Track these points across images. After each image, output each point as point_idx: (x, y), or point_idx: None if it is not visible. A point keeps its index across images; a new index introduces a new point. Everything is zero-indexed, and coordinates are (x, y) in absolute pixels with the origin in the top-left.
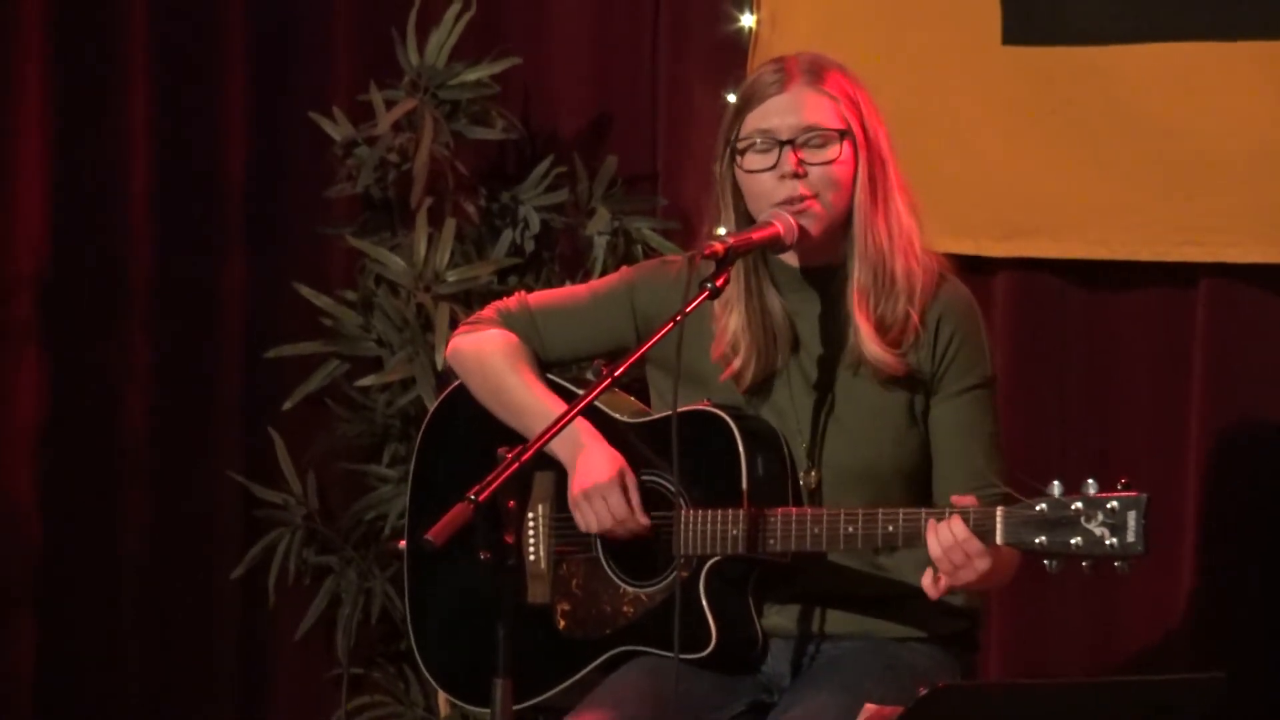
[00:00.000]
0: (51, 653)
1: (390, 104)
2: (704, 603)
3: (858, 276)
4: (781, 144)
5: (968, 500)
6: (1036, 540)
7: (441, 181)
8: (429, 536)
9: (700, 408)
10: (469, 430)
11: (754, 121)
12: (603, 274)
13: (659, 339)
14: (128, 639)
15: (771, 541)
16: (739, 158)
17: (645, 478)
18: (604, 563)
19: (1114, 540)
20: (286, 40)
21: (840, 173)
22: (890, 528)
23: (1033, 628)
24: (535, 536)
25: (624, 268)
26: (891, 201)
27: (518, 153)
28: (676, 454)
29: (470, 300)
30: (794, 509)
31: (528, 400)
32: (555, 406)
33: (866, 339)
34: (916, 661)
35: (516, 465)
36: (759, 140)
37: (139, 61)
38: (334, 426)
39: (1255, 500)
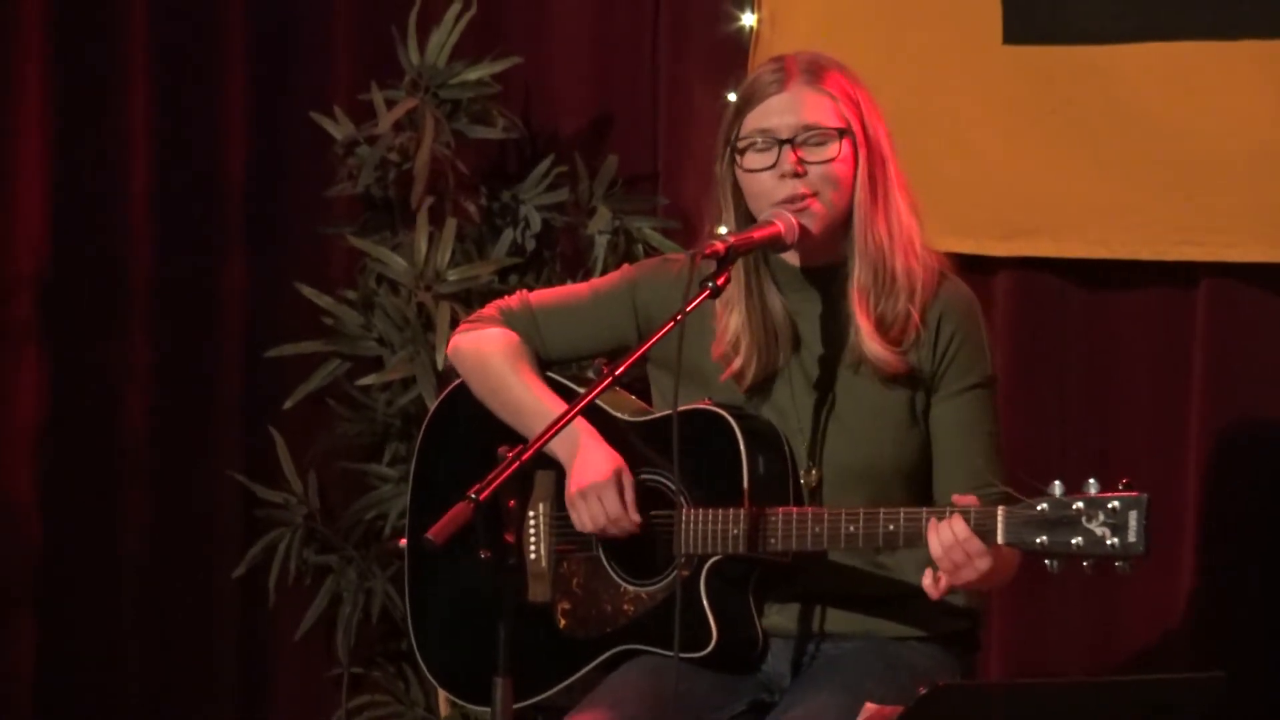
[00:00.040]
0: (51, 653)
1: (391, 103)
2: (704, 602)
3: (858, 275)
4: (781, 143)
5: (969, 500)
6: (1037, 540)
7: (442, 181)
8: (430, 536)
9: (701, 406)
10: (470, 429)
11: (753, 121)
12: (603, 273)
13: (659, 338)
14: (128, 639)
15: (772, 541)
16: (739, 157)
17: (646, 477)
18: (604, 562)
19: (1115, 540)
20: (286, 40)
21: (840, 171)
22: (891, 527)
23: (1033, 628)
24: (536, 535)
25: (625, 266)
26: (892, 200)
27: (518, 152)
28: (677, 453)
29: (471, 299)
30: (795, 508)
31: (528, 399)
32: (555, 406)
33: (867, 337)
34: (917, 661)
35: (517, 465)
36: (759, 140)
37: (139, 61)
38: (334, 426)
39: (1255, 500)
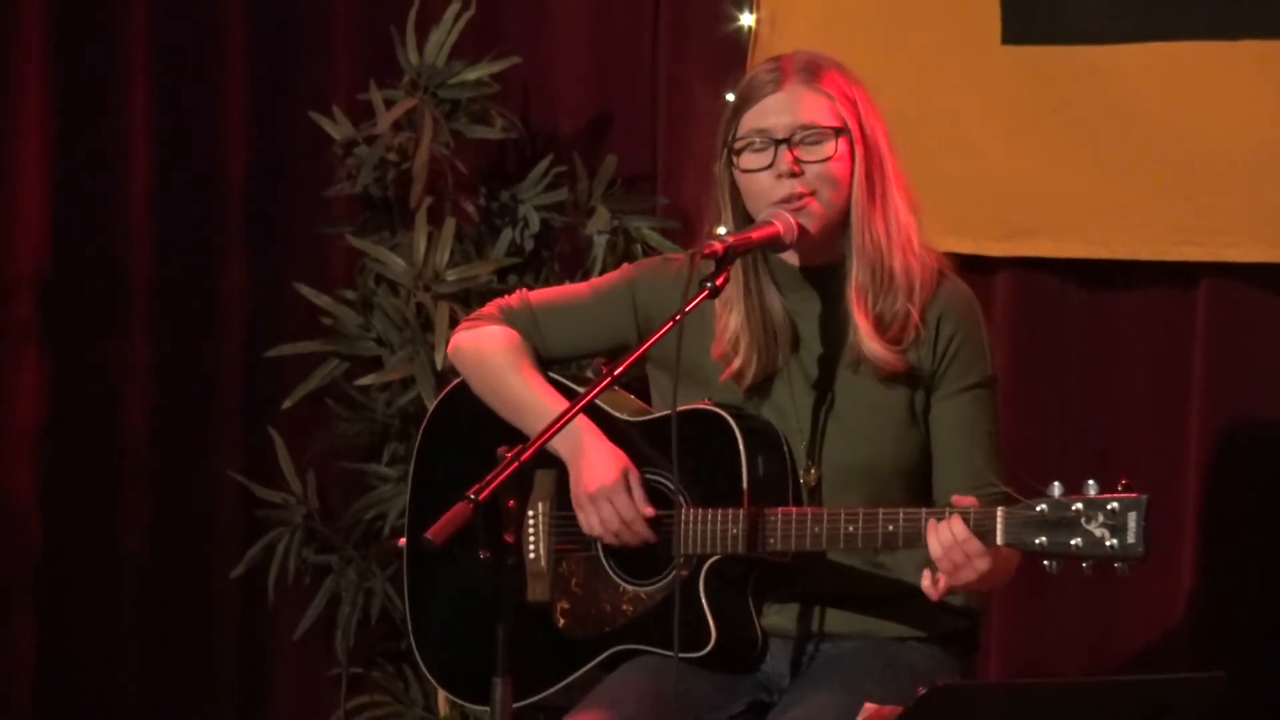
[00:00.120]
0: (51, 653)
1: (390, 103)
2: (704, 602)
3: (856, 274)
4: (777, 143)
5: (968, 500)
6: (1037, 541)
7: (441, 181)
8: (429, 536)
9: (701, 406)
10: (469, 429)
11: (750, 121)
12: (602, 273)
13: (659, 338)
14: (128, 639)
15: (771, 541)
16: (736, 158)
17: (646, 476)
18: (604, 561)
19: (1114, 541)
20: (286, 40)
21: (837, 170)
22: (890, 527)
23: (1033, 628)
24: (535, 535)
25: (625, 265)
26: (889, 199)
27: (517, 152)
28: (677, 453)
29: (470, 299)
30: (794, 509)
31: (528, 398)
32: (556, 404)
33: (865, 336)
34: (916, 661)
35: (516, 465)
36: (756, 140)
37: (139, 61)
38: (334, 426)
39: (1255, 500)
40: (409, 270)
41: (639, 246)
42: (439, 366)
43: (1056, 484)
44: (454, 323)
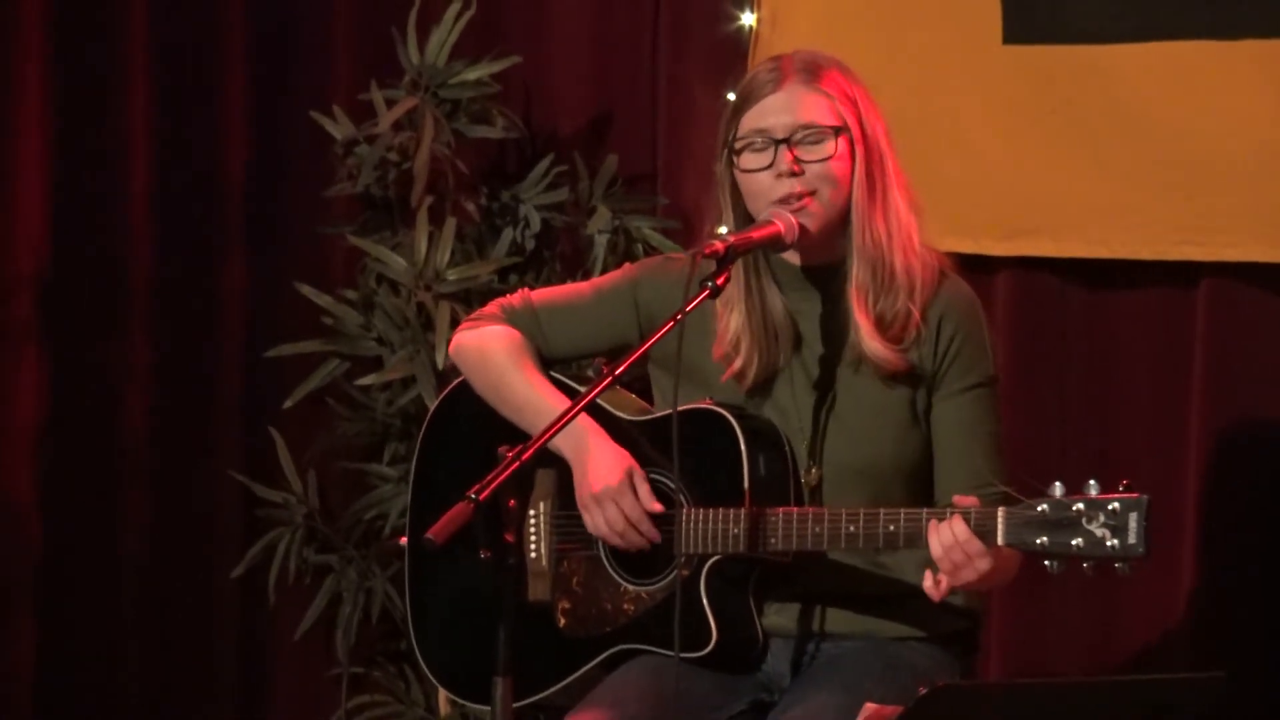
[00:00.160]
0: (51, 653)
1: (391, 103)
2: (704, 602)
3: (856, 273)
4: (777, 143)
5: (969, 500)
6: (1037, 541)
7: (442, 180)
8: (430, 536)
9: (702, 406)
10: (470, 428)
11: (750, 121)
12: (603, 273)
13: (659, 338)
14: (128, 639)
15: (772, 540)
16: (736, 157)
17: (649, 476)
18: (605, 561)
19: (1115, 542)
20: (286, 40)
21: (837, 169)
22: (891, 527)
23: (1033, 628)
24: (536, 534)
25: (627, 264)
26: (890, 198)
27: (518, 151)
28: (677, 452)
29: (471, 299)
30: (795, 508)
31: (530, 397)
32: (558, 403)
33: (866, 336)
34: (917, 661)
35: (517, 464)
36: (756, 140)
37: (139, 61)
38: (334, 425)
39: (1255, 500)
40: (410, 270)
41: (639, 246)
42: (440, 366)
43: (1057, 484)
44: (455, 322)
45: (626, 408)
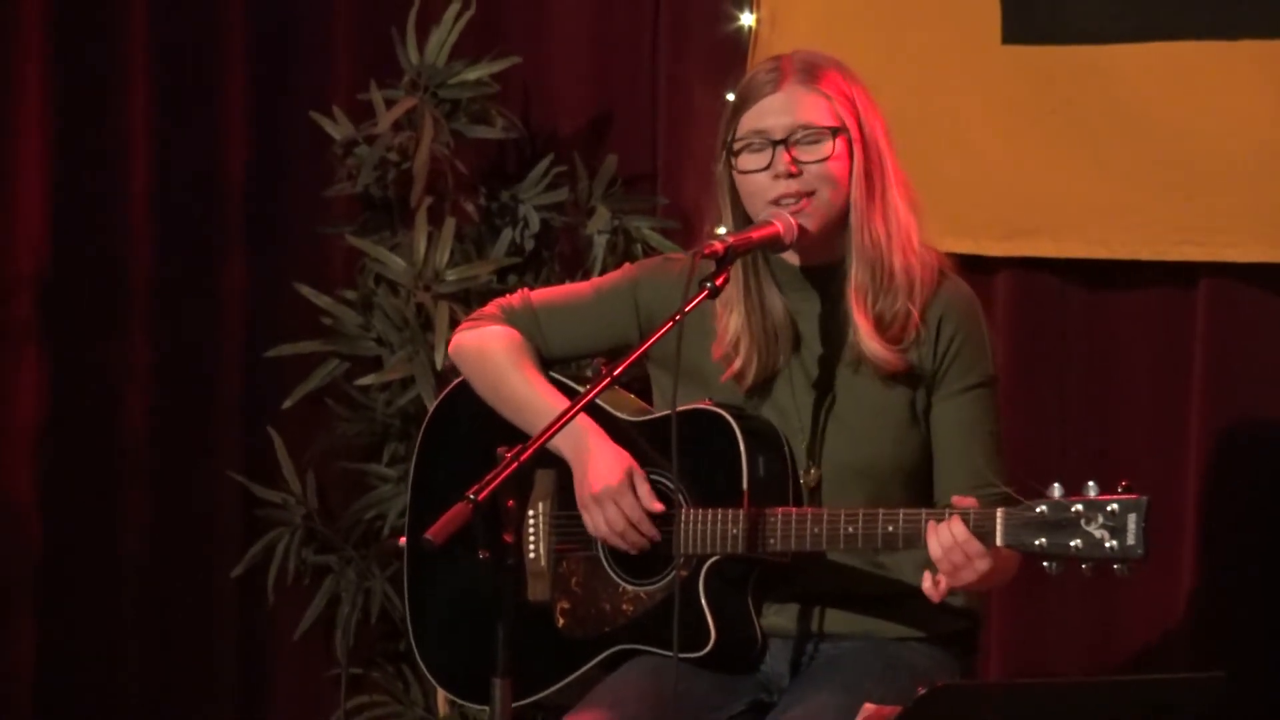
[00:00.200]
0: (51, 653)
1: (390, 103)
2: (703, 602)
3: (855, 273)
4: (775, 144)
5: (968, 501)
6: (1036, 542)
7: (441, 180)
8: (428, 536)
9: (701, 406)
10: (470, 429)
11: (749, 122)
12: (602, 273)
13: (658, 338)
14: (128, 639)
15: (771, 541)
16: (734, 159)
17: (648, 476)
18: (604, 561)
19: (1114, 543)
20: (286, 40)
21: (835, 170)
22: (890, 528)
23: (1033, 628)
24: (536, 534)
25: (627, 265)
26: (889, 198)
27: (517, 152)
28: (676, 453)
29: (470, 299)
30: (794, 509)
31: (530, 397)
32: (557, 403)
33: (865, 336)
34: (916, 661)
35: (516, 465)
36: (754, 141)
37: (139, 61)
38: (334, 426)
39: (1255, 500)
40: (409, 270)
41: (639, 246)
42: (439, 366)
43: (1057, 485)
44: (454, 323)
45: (626, 408)
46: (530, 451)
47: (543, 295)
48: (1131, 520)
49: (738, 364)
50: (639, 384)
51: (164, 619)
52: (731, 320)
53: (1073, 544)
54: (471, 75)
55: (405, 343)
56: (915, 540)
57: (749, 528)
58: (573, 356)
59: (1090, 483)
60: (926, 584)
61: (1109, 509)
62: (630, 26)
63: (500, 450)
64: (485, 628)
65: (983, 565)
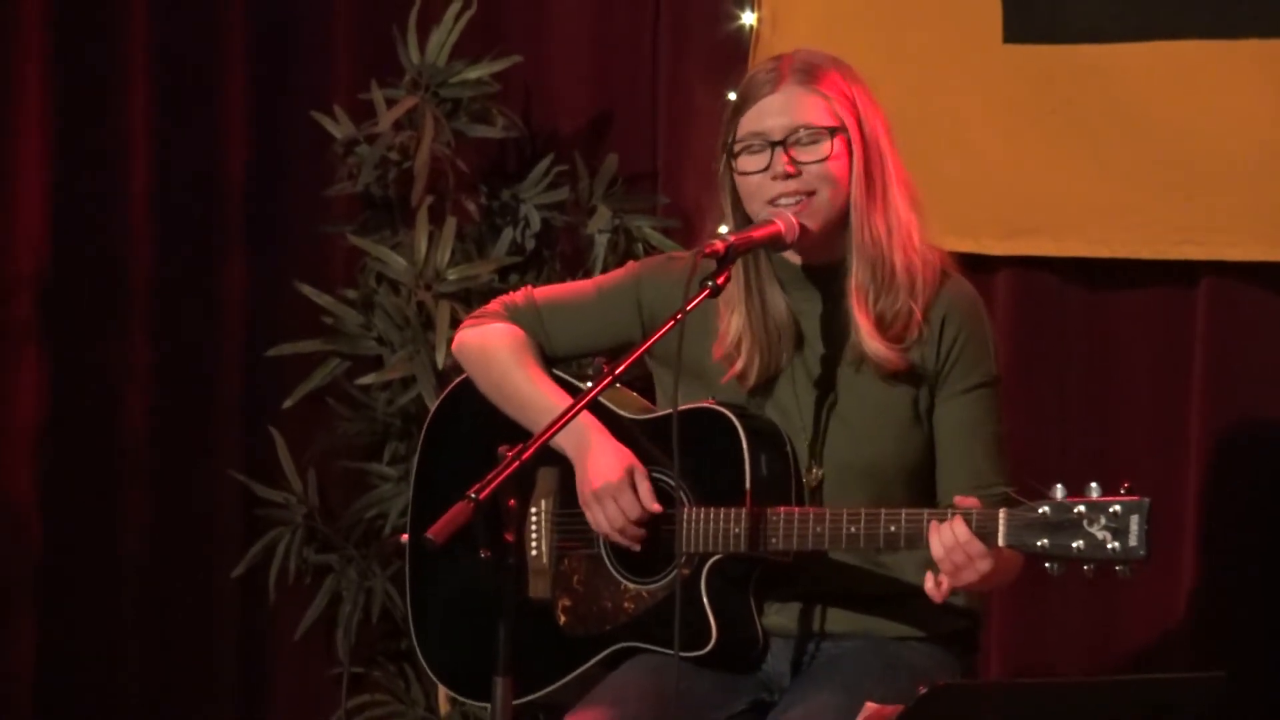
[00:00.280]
0: (51, 653)
1: (391, 102)
2: (705, 601)
3: (856, 272)
4: (773, 145)
5: (970, 502)
6: (1038, 543)
7: (442, 180)
8: (430, 535)
9: (704, 405)
10: (471, 427)
11: (748, 124)
12: (603, 273)
13: (659, 337)
14: (128, 639)
15: (773, 540)
16: (734, 160)
17: (650, 474)
18: (606, 559)
19: (1116, 544)
20: (286, 40)
21: (835, 169)
22: (892, 528)
23: (1033, 628)
24: (538, 532)
25: (630, 263)
26: (890, 197)
27: (518, 151)
28: (678, 452)
29: (471, 298)
30: (796, 508)
31: (532, 395)
32: (560, 401)
33: (866, 335)
34: (917, 661)
35: (517, 464)
36: (754, 142)
37: (139, 61)
38: (334, 425)
39: (1255, 500)
40: (410, 269)
41: (640, 246)
42: (440, 365)
43: (1059, 486)
44: (455, 322)
45: (629, 406)
46: (531, 450)
47: (546, 293)
48: (1134, 522)
49: (740, 364)
50: (641, 382)
51: (164, 619)
52: (733, 319)
53: (1075, 545)
54: (472, 75)
55: (406, 342)
56: (917, 540)
57: (751, 527)
58: (576, 354)
59: (1093, 484)
60: (928, 584)
61: (1111, 510)
62: (631, 26)
63: (501, 449)
64: (486, 626)
65: (984, 566)
